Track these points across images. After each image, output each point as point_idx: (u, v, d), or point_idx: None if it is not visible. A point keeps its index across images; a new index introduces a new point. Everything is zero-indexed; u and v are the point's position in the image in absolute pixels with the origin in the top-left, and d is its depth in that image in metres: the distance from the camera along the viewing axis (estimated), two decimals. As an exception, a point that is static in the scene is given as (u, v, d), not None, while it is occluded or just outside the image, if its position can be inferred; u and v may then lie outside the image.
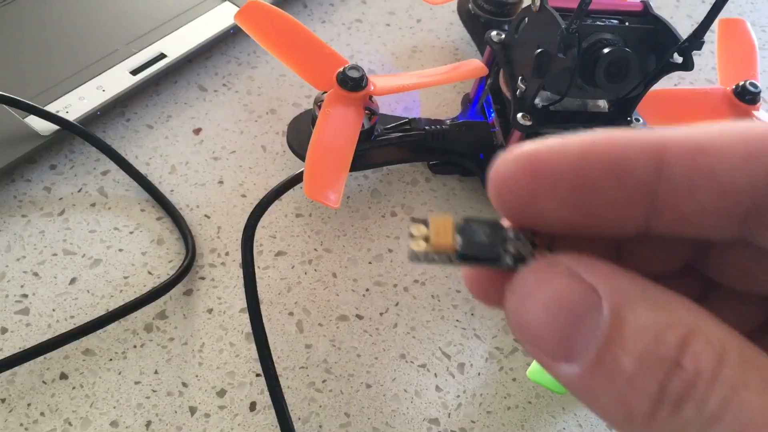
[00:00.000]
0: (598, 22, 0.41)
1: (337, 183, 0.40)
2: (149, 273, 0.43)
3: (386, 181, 0.49)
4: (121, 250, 0.44)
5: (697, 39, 0.39)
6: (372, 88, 0.44)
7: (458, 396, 0.40)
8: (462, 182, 0.50)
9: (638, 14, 0.43)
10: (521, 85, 0.43)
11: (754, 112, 0.49)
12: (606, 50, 0.39)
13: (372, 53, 0.57)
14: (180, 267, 0.42)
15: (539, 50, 0.40)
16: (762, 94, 0.56)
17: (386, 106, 0.54)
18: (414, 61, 0.57)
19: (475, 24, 0.58)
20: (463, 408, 0.40)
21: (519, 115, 0.43)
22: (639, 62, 0.41)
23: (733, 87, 0.50)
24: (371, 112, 0.45)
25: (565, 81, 0.41)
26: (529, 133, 0.44)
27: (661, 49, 0.41)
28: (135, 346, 0.40)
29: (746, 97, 0.49)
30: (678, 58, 0.41)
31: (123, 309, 0.40)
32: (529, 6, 0.42)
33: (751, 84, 0.49)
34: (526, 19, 0.44)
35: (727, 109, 0.49)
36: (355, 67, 0.43)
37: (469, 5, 0.58)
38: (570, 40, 0.38)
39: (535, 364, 0.36)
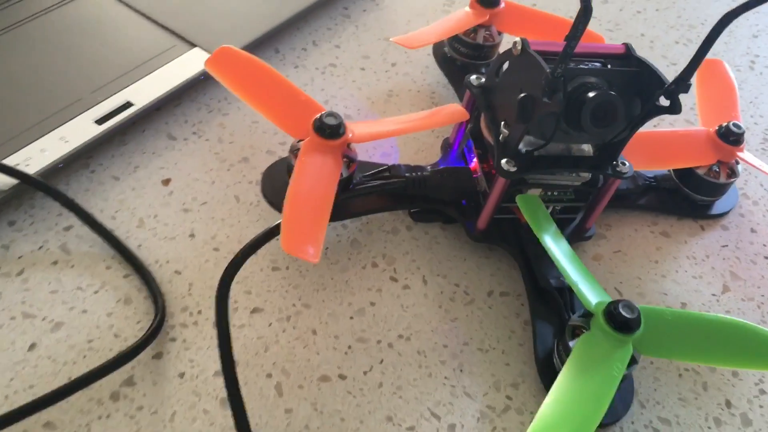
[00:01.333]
0: (582, 66, 0.40)
1: (316, 236, 0.37)
2: (115, 336, 0.40)
3: (366, 230, 0.47)
4: (84, 311, 0.41)
5: (684, 81, 0.38)
6: (350, 135, 0.42)
7: (449, 460, 0.38)
8: (444, 230, 0.48)
9: (621, 56, 0.42)
10: (504, 130, 0.42)
11: (739, 153, 0.48)
12: (591, 94, 0.38)
13: (347, 98, 0.56)
14: (148, 328, 0.39)
15: (523, 95, 0.39)
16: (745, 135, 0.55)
17: (363, 152, 0.52)
18: (390, 105, 0.56)
19: (451, 67, 0.57)
20: (455, 473, 0.37)
21: (503, 161, 0.41)
22: (624, 106, 0.40)
23: (717, 128, 0.49)
24: (350, 159, 0.43)
25: (550, 126, 0.39)
26: (514, 180, 0.42)
27: (646, 92, 0.40)
28: (100, 417, 0.37)
29: (730, 138, 0.48)
30: (665, 101, 0.39)
31: (87, 377, 0.37)
32: (509, 49, 0.41)
33: (735, 125, 0.48)
34: (507, 62, 0.42)
35: (711, 150, 0.48)
36: (332, 114, 0.42)
37: (445, 48, 0.57)
38: (555, 84, 0.37)
39: (535, 427, 0.33)
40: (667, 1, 0.71)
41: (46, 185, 0.43)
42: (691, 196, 0.50)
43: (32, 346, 0.39)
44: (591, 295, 0.38)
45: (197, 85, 0.53)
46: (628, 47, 0.42)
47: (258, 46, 0.58)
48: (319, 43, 0.60)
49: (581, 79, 0.39)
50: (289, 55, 0.58)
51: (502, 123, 0.42)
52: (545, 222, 0.42)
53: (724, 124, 0.48)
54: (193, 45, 0.53)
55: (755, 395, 0.42)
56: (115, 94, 0.49)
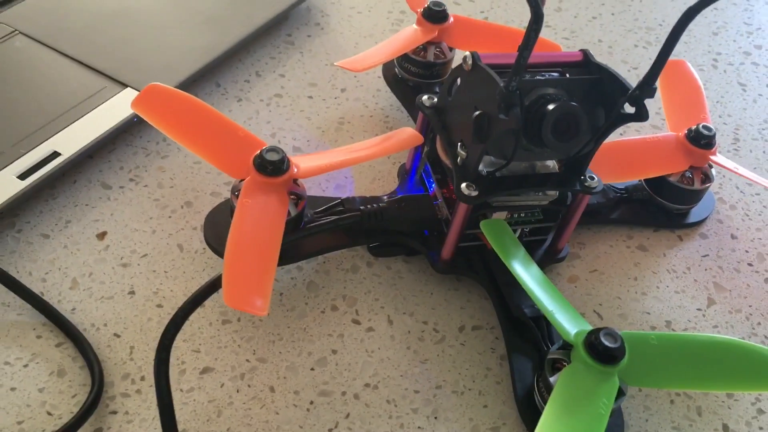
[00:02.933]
0: (538, 77, 0.37)
1: (263, 285, 0.34)
2: (48, 414, 0.36)
3: (323, 270, 0.44)
4: (13, 389, 0.36)
5: (648, 86, 0.35)
6: (295, 170, 0.39)
7: None
8: (408, 263, 0.45)
9: (578, 64, 0.39)
10: (462, 152, 0.39)
11: (711, 157, 0.45)
12: (551, 106, 0.35)
13: (296, 129, 0.52)
14: (84, 403, 0.35)
15: (477, 112, 0.36)
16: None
17: (316, 185, 0.48)
18: (342, 133, 0.52)
19: (403, 89, 0.53)
20: None
21: (463, 185, 0.38)
22: (589, 116, 0.37)
23: (686, 132, 0.46)
24: (297, 196, 0.40)
25: (510, 143, 0.36)
26: (476, 204, 0.39)
27: (609, 99, 0.37)
28: None
29: (701, 141, 0.46)
30: (630, 108, 0.37)
31: (15, 465, 0.33)
32: (460, 65, 0.38)
33: (705, 127, 0.46)
34: (459, 79, 0.39)
35: (682, 155, 0.46)
36: (274, 149, 0.38)
37: (395, 69, 0.54)
38: (511, 98, 0.34)
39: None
40: (622, 4, 0.69)
41: (-37, 251, 0.39)
42: (665, 206, 0.47)
43: (-47, 435, 0.35)
44: (569, 324, 0.35)
45: (132, 128, 0.50)
46: (585, 53, 0.39)
47: (196, 81, 0.54)
48: (262, 73, 0.57)
49: (539, 91, 0.36)
50: (231, 89, 0.55)
51: (459, 144, 0.39)
52: (513, 247, 0.39)
53: (693, 127, 0.46)
54: (125, 85, 0.50)
55: (753, 416, 0.39)
56: (40, 144, 0.45)
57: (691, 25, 0.66)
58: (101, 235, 0.44)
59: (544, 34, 0.63)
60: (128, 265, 0.42)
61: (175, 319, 0.34)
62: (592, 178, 0.40)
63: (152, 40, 0.54)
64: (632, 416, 0.38)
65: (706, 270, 0.46)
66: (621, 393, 0.34)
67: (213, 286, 0.35)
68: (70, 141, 0.46)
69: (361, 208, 0.41)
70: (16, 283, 0.40)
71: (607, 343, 0.33)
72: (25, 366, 0.37)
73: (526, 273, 0.37)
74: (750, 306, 0.44)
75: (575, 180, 0.40)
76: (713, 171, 0.47)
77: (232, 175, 0.39)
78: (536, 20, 0.31)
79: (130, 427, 0.36)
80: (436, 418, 0.38)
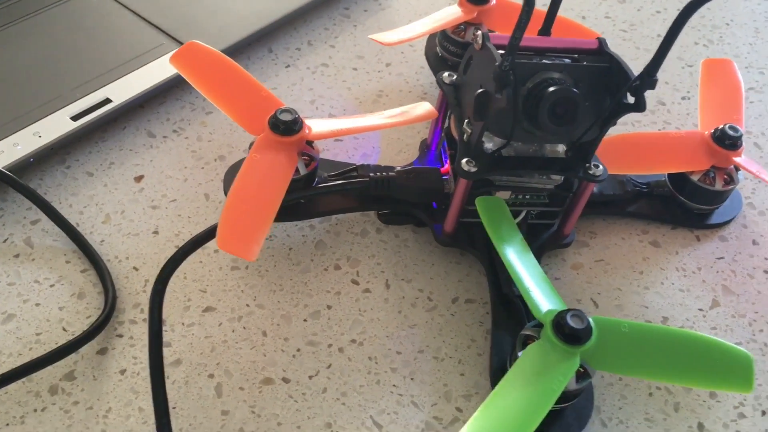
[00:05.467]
0: (545, 60, 0.38)
1: (255, 234, 0.36)
2: (64, 330, 0.40)
3: (334, 231, 0.46)
4: (38, 304, 0.41)
5: (649, 77, 0.36)
6: (307, 131, 0.41)
7: (386, 472, 0.36)
8: (416, 233, 0.46)
9: (593, 52, 0.39)
10: (467, 129, 0.40)
11: (735, 159, 0.45)
12: (551, 89, 0.36)
13: (335, 98, 0.55)
14: (94, 323, 0.39)
15: (480, 90, 0.37)
16: (757, 140, 0.52)
17: (344, 153, 0.51)
18: (379, 105, 0.54)
19: (443, 67, 0.54)
20: (391, 486, 0.35)
21: (463, 161, 0.39)
22: (593, 103, 0.38)
23: (712, 131, 0.45)
24: (310, 157, 0.42)
25: (510, 123, 0.37)
26: (478, 181, 0.40)
27: (615, 88, 0.38)
28: (35, 410, 0.37)
29: (726, 141, 0.45)
30: (631, 98, 0.37)
31: (26, 367, 0.37)
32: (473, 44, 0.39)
33: (731, 128, 0.45)
34: (472, 57, 0.40)
35: (705, 154, 0.45)
36: (288, 110, 0.41)
37: (437, 48, 0.55)
38: (504, 78, 0.35)
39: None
40: (691, 0, 0.67)
41: (12, 178, 0.43)
42: (686, 204, 0.47)
43: (-19, 337, 0.39)
44: (544, 303, 0.36)
45: (183, 84, 0.53)
46: (601, 42, 0.39)
47: (251, 45, 0.57)
48: (314, 42, 0.59)
49: (544, 75, 0.37)
50: (281, 55, 0.58)
51: (465, 121, 0.40)
52: (503, 225, 0.40)
53: (720, 126, 0.45)
54: (180, 43, 0.53)
55: (732, 419, 0.39)
56: (95, 90, 0.49)
57: (759, 26, 0.64)
58: (138, 178, 0.48)
59: (604, 25, 0.63)
60: (157, 207, 0.46)
61: (174, 256, 0.37)
62: (597, 166, 0.40)
63: (212, 3, 0.57)
64: (606, 402, 0.39)
65: (717, 272, 0.45)
66: (587, 375, 0.35)
67: (213, 231, 0.38)
68: (122, 90, 0.50)
69: (371, 174, 0.43)
70: (56, 213, 0.44)
71: (572, 324, 0.34)
72: (51, 286, 0.42)
73: (510, 250, 0.38)
74: (756, 312, 0.43)
75: (579, 167, 0.40)
76: (740, 174, 0.46)
77: (249, 131, 0.42)
78: (527, 2, 0.32)
79: (132, 351, 0.39)
80: (412, 379, 0.39)
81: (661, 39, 0.63)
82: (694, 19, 0.65)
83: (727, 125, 0.45)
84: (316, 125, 0.42)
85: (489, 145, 0.40)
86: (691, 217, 0.47)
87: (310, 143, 0.43)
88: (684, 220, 0.48)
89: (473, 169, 0.39)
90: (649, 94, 0.56)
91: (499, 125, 0.38)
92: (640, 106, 0.36)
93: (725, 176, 0.45)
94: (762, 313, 0.43)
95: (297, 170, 0.41)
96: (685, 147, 0.45)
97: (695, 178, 0.46)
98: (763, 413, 0.39)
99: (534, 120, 0.37)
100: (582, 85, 0.37)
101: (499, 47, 0.37)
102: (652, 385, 0.40)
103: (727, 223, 0.48)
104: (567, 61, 0.39)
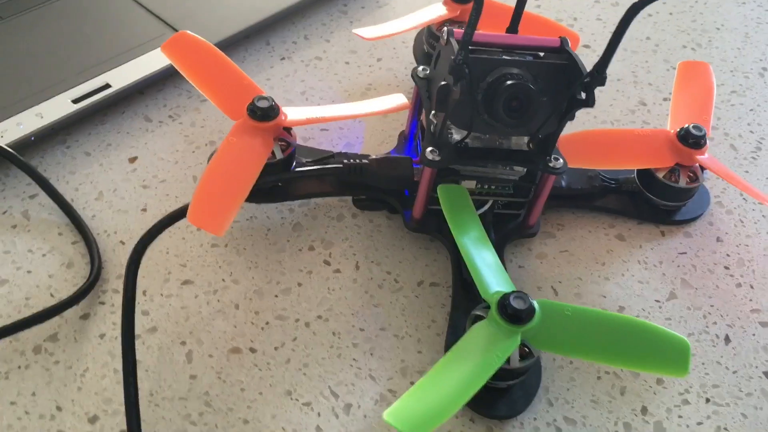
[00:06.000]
0: (506, 57, 0.40)
1: (226, 211, 0.39)
2: (51, 295, 0.43)
3: (311, 215, 0.48)
4: (29, 272, 0.44)
5: (598, 74, 0.38)
6: (283, 118, 0.43)
7: (338, 438, 0.38)
8: (390, 219, 0.49)
9: (555, 50, 0.41)
10: (432, 120, 0.42)
11: (699, 157, 0.46)
12: (506, 84, 0.38)
13: (325, 90, 0.57)
14: (78, 289, 0.42)
15: (442, 83, 0.39)
16: (734, 142, 0.53)
17: (329, 142, 0.53)
18: (366, 97, 0.56)
19: (429, 63, 0.57)
20: (341, 451, 0.38)
21: (428, 149, 0.42)
22: (551, 98, 0.40)
23: (678, 130, 0.47)
24: (286, 143, 0.45)
25: (472, 115, 0.39)
26: (442, 170, 0.43)
27: (572, 85, 0.39)
28: (19, 367, 0.40)
29: (689, 140, 0.46)
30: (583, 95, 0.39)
31: (12, 326, 0.40)
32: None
33: (695, 127, 0.46)
34: (440, 53, 0.43)
35: (669, 152, 0.47)
36: (265, 98, 0.43)
37: (424, 45, 0.57)
38: (459, 71, 0.37)
39: (395, 406, 0.33)
40: (684, 5, 0.69)
41: (12, 154, 0.47)
42: (652, 201, 0.49)
43: (-25, 299, 0.42)
44: (493, 284, 0.38)
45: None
46: (563, 41, 0.41)
47: (249, 37, 0.60)
48: (310, 37, 0.62)
49: (503, 70, 0.39)
50: (278, 48, 0.60)
51: (432, 113, 0.42)
52: (463, 212, 0.42)
53: (686, 126, 0.47)
54: (180, 34, 0.56)
55: (676, 404, 0.40)
56: (96, 76, 0.53)
57: (751, 31, 0.65)
58: (132, 159, 0.51)
59: (594, 27, 0.64)
60: (148, 187, 0.49)
61: (151, 230, 0.40)
62: (557, 159, 0.42)
63: (213, -3, 0.60)
64: (555, 383, 0.41)
65: (678, 266, 0.47)
66: (530, 354, 0.37)
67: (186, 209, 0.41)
68: (122, 76, 0.53)
69: (344, 161, 0.46)
70: (52, 189, 0.47)
71: (515, 305, 0.36)
72: (44, 255, 0.45)
73: (465, 236, 0.40)
74: (711, 306, 0.45)
75: (540, 159, 0.42)
76: (705, 173, 0.48)
77: (229, 116, 0.44)
78: (476, 2, 0.35)
79: (112, 317, 0.42)
80: (371, 354, 0.42)
81: (650, 42, 0.65)
82: (685, 23, 0.67)
83: (692, 125, 0.46)
84: (292, 113, 0.44)
85: (457, 136, 0.43)
86: (657, 213, 0.49)
87: (288, 130, 0.45)
88: (650, 216, 0.49)
89: (437, 158, 0.41)
90: (630, 95, 0.58)
91: (458, 116, 0.40)
92: (589, 102, 0.38)
93: (690, 174, 0.47)
94: (717, 307, 0.45)
95: (273, 155, 0.44)
96: (650, 144, 0.47)
97: (660, 175, 0.47)
98: (707, 400, 0.41)
99: (492, 112, 0.39)
100: (540, 80, 0.39)
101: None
102: (602, 369, 0.42)
103: (693, 220, 0.49)
104: (529, 58, 0.41)
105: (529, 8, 0.66)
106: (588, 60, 0.61)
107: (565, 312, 0.37)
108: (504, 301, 0.36)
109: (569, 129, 0.42)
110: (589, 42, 0.63)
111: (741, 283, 0.46)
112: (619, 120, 0.57)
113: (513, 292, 0.37)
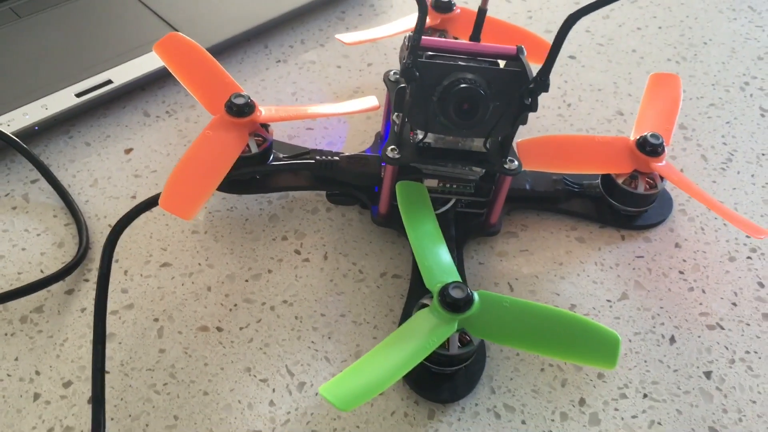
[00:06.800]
0: (461, 62, 0.42)
1: (195, 199, 0.42)
2: (41, 271, 0.47)
3: (288, 207, 0.52)
4: (24, 249, 0.48)
5: (542, 81, 0.40)
6: (259, 115, 0.47)
7: (289, 413, 0.41)
8: (361, 214, 0.51)
9: (512, 57, 0.44)
10: (395, 120, 0.45)
11: (656, 164, 0.48)
12: (457, 87, 0.41)
13: (315, 91, 0.60)
14: (65, 266, 0.46)
15: (399, 86, 0.42)
16: (705, 153, 0.55)
17: (312, 140, 0.56)
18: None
19: (414, 68, 0.60)
20: (290, 425, 0.41)
21: (389, 148, 0.44)
22: (505, 103, 0.42)
23: (637, 138, 0.49)
24: (263, 138, 0.48)
25: (428, 116, 0.42)
26: (401, 166, 0.45)
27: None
28: (6, 334, 0.43)
29: (647, 148, 0.48)
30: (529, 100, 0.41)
31: (1, 296, 0.44)
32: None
33: (653, 136, 0.48)
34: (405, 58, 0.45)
35: (627, 159, 0.49)
36: (242, 96, 0.47)
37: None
38: (408, 74, 0.40)
39: (330, 382, 0.36)
40: (674, 19, 0.70)
41: (15, 141, 0.51)
42: (614, 206, 0.51)
43: (-28, 272, 0.46)
44: (437, 276, 0.41)
45: (180, 71, 0.60)
46: (518, 50, 0.44)
47: (249, 40, 0.64)
48: (306, 41, 0.65)
49: (458, 75, 0.42)
50: (275, 51, 0.64)
51: (395, 114, 0.45)
52: (419, 208, 0.44)
53: (645, 134, 0.49)
54: (181, 36, 0.60)
55: (614, 398, 0.42)
56: (100, 72, 0.57)
57: (738, 46, 0.67)
58: (128, 151, 0.55)
59: (582, 38, 0.66)
60: (139, 176, 0.53)
61: (129, 213, 0.44)
62: (513, 161, 0.45)
63: (216, 1, 0.64)
64: (500, 373, 0.43)
65: (634, 269, 0.49)
66: (471, 343, 0.40)
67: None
68: (123, 73, 0.57)
69: (317, 157, 0.49)
70: (50, 175, 0.51)
71: (454, 294, 0.39)
72: (38, 235, 0.49)
73: (418, 230, 0.43)
74: (661, 308, 0.47)
75: (496, 160, 0.45)
76: (665, 181, 0.49)
77: (209, 111, 0.48)
78: (420, 9, 0.37)
79: (93, 293, 0.45)
80: (329, 338, 0.45)
81: (635, 54, 0.66)
82: (672, 36, 0.69)
83: (650, 133, 0.48)
84: (268, 110, 0.48)
85: (420, 136, 0.45)
86: (619, 218, 0.51)
87: (266, 127, 0.48)
88: (612, 221, 0.51)
89: (396, 156, 0.44)
90: (609, 104, 0.60)
91: (415, 117, 0.43)
92: (532, 107, 0.41)
93: (648, 181, 0.49)
94: (667, 309, 0.47)
95: (249, 148, 0.47)
96: (609, 151, 0.49)
97: (620, 180, 0.49)
98: (645, 396, 0.43)
99: (445, 114, 0.42)
100: (494, 86, 0.42)
101: (431, 49, 0.43)
102: (546, 362, 0.44)
103: (654, 225, 0.51)
104: (486, 65, 0.43)
105: (521, 19, 0.69)
106: (571, 70, 0.64)
107: (503, 303, 0.40)
108: (444, 290, 0.39)
109: (542, 134, 0.45)
110: (575, 53, 0.65)
111: (693, 287, 0.48)
112: (594, 128, 0.59)
113: (452, 282, 0.39)
